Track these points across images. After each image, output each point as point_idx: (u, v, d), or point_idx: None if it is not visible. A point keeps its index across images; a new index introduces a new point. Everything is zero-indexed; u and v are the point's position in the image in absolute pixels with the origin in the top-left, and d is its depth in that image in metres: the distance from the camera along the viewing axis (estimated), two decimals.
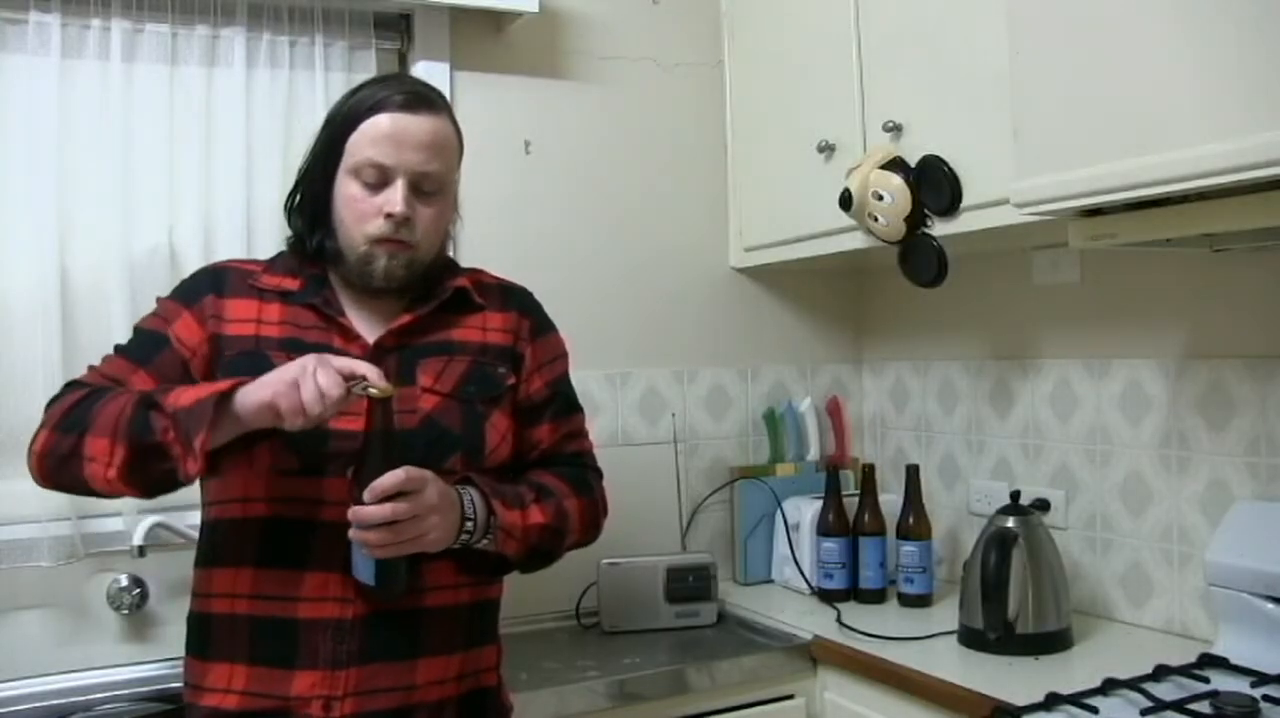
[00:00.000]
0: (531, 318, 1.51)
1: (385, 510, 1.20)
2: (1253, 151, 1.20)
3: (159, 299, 1.43)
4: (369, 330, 1.38)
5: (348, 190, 1.36)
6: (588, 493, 1.49)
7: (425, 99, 1.38)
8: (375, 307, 1.40)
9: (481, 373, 1.41)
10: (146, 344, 1.37)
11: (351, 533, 1.22)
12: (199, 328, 1.36)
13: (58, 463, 1.27)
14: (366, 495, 1.20)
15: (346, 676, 1.29)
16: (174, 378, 1.33)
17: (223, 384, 1.21)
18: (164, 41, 1.94)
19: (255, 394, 1.18)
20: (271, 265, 1.44)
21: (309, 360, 1.19)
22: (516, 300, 1.52)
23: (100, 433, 1.23)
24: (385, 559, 1.23)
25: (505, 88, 2.24)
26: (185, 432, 1.18)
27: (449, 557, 1.34)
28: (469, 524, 1.30)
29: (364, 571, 1.25)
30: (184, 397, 1.21)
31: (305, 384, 1.16)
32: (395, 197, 1.33)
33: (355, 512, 1.21)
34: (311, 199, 1.40)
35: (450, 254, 1.57)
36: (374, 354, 1.35)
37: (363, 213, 1.35)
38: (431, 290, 1.43)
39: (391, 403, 1.24)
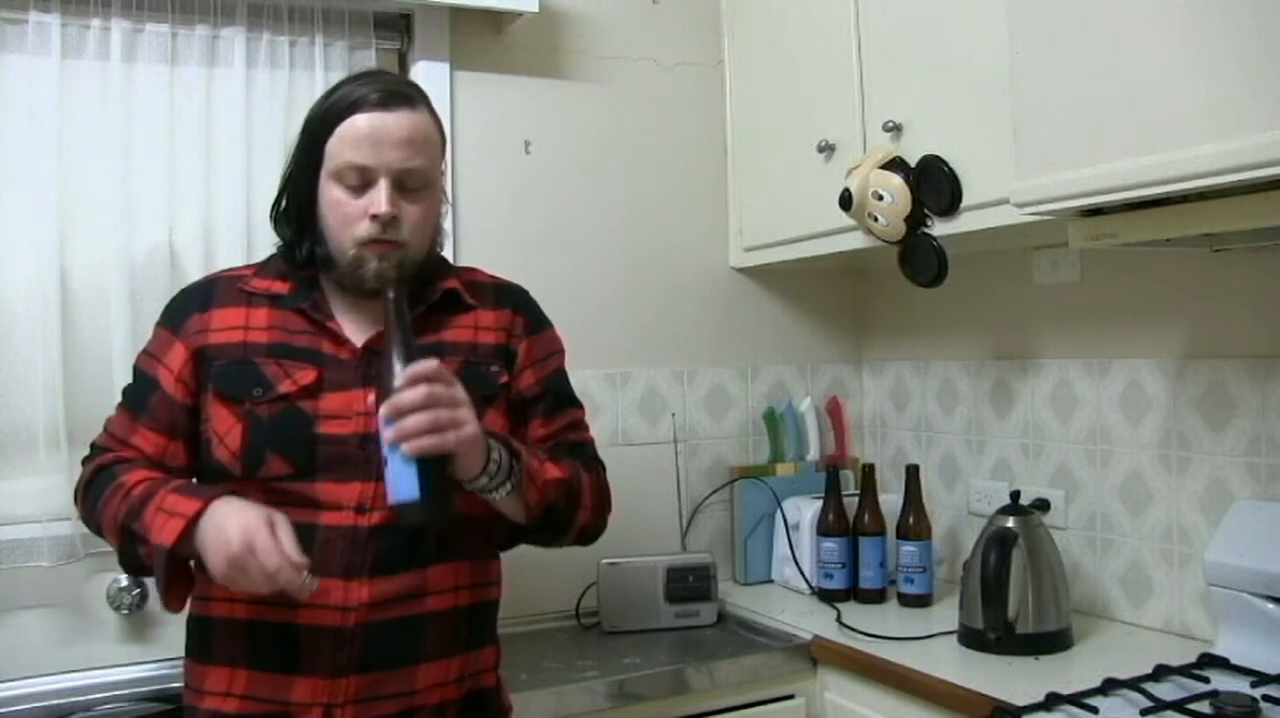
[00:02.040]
0: (525, 315, 1.50)
1: (421, 392, 1.19)
2: (1253, 151, 1.20)
3: (156, 326, 1.43)
4: (358, 334, 1.37)
5: (331, 195, 1.34)
6: (594, 469, 1.48)
7: (402, 95, 1.35)
8: (366, 309, 1.39)
9: (474, 373, 1.39)
10: (139, 392, 1.38)
11: (388, 433, 1.20)
12: (184, 350, 1.37)
13: (95, 532, 1.38)
14: (400, 379, 1.19)
15: (347, 683, 1.28)
16: (167, 421, 1.36)
17: (169, 537, 1.22)
18: (164, 41, 1.94)
19: (209, 561, 1.20)
20: (263, 268, 1.44)
21: (245, 554, 1.17)
22: (510, 298, 1.50)
23: (110, 535, 1.33)
24: (427, 465, 1.19)
25: (505, 87, 2.23)
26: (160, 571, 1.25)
27: (457, 553, 1.35)
28: (492, 467, 1.28)
29: (405, 486, 1.20)
30: (154, 527, 1.24)
31: (249, 577, 1.17)
32: (379, 197, 1.31)
33: (391, 401, 1.19)
34: (297, 205, 1.39)
35: (447, 251, 1.57)
36: (363, 357, 1.35)
37: (348, 216, 1.33)
38: (422, 293, 1.41)
39: (405, 307, 1.27)
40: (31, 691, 1.78)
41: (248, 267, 1.47)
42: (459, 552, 1.37)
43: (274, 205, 1.44)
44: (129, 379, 1.42)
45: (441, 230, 1.46)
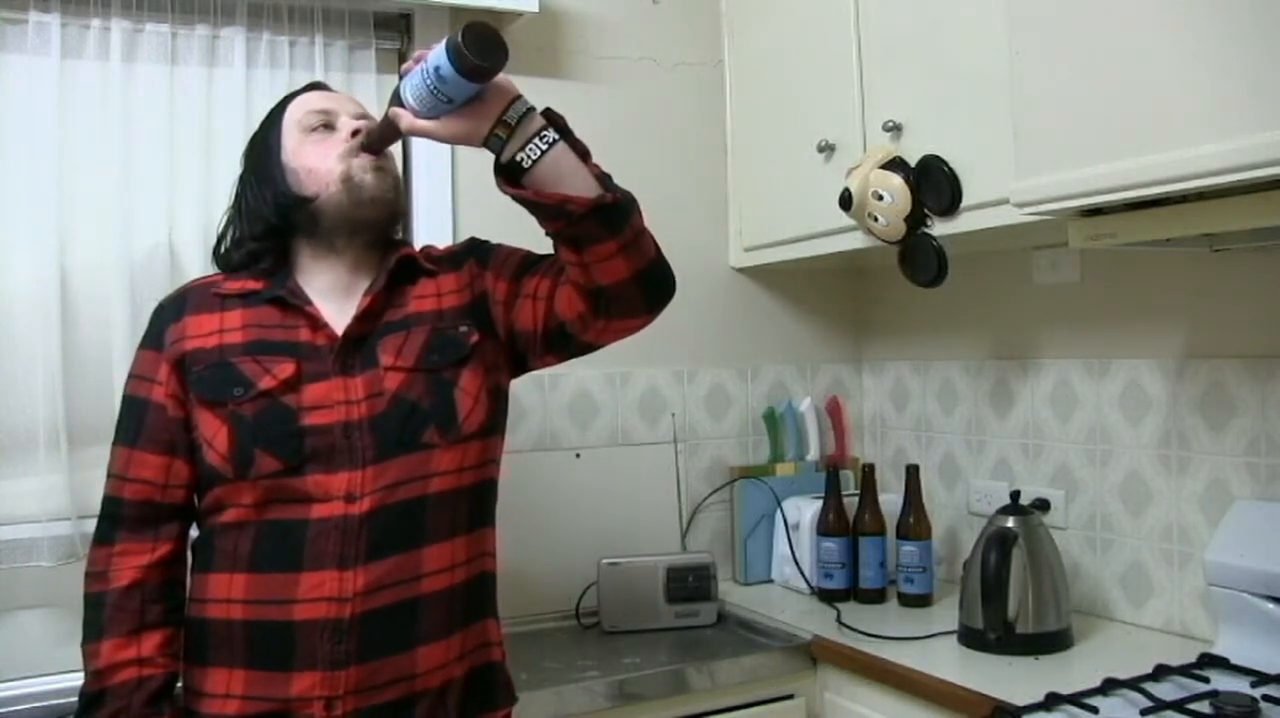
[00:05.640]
0: (476, 254, 1.49)
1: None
2: (1253, 151, 1.20)
3: (138, 349, 1.42)
4: (336, 320, 1.38)
5: (304, 148, 1.40)
6: None
7: (327, 85, 1.53)
8: (339, 288, 1.40)
9: (441, 339, 1.40)
10: (132, 419, 1.37)
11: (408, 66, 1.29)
12: (168, 363, 1.37)
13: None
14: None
15: (346, 675, 1.28)
16: (167, 439, 1.35)
17: None
18: (164, 41, 1.94)
19: None
20: (235, 272, 1.44)
21: None
22: (464, 254, 1.50)
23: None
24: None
25: None
26: None
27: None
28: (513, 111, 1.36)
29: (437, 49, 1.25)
30: None
31: None
32: (348, 122, 1.41)
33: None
34: (269, 192, 1.40)
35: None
36: (342, 345, 1.35)
37: (328, 149, 1.39)
38: (383, 260, 1.44)
39: None
40: (31, 691, 1.77)
41: (219, 273, 1.47)
42: (453, 529, 1.36)
43: (219, 241, 1.46)
44: (128, 380, 1.42)
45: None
